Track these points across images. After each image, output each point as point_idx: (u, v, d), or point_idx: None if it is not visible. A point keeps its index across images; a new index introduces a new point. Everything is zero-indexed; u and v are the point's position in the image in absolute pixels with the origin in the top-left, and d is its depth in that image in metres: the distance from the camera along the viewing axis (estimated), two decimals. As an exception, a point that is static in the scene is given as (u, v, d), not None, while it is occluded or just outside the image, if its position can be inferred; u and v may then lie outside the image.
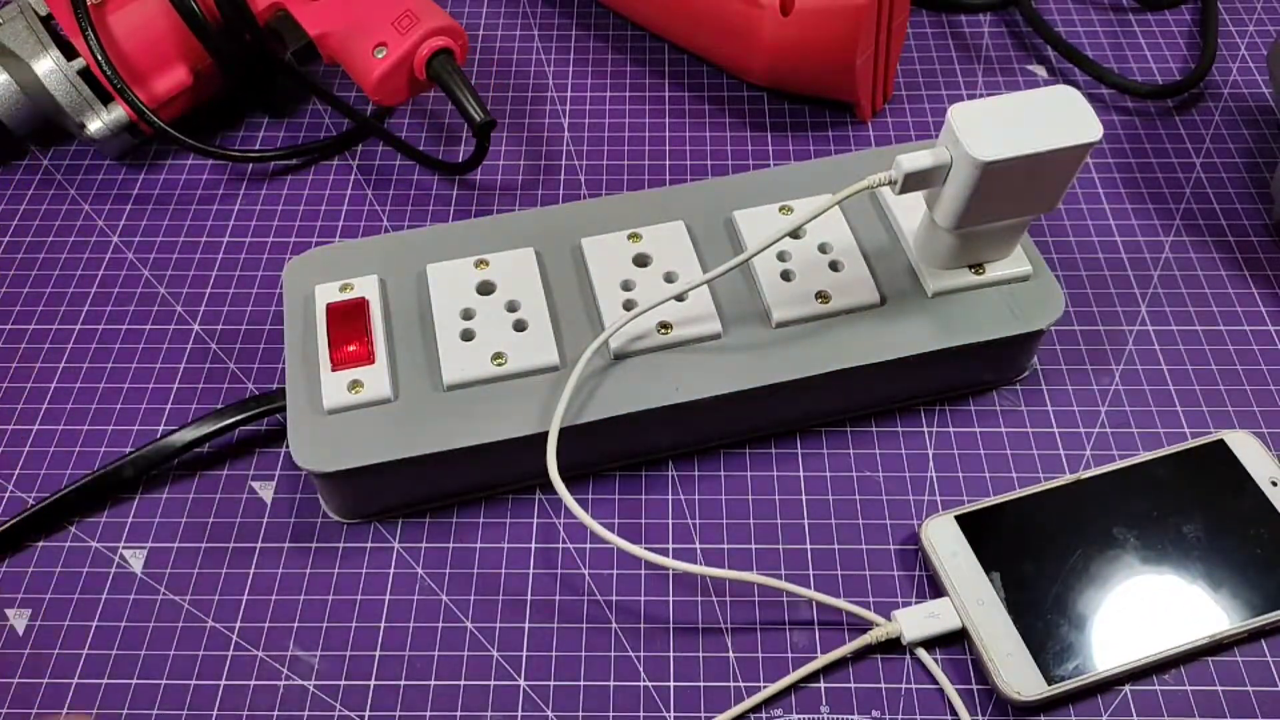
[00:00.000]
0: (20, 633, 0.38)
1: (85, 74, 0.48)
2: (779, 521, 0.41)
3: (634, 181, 0.52)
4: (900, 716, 0.36)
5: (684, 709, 0.36)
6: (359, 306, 0.40)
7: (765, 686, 0.36)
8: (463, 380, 0.39)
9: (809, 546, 0.40)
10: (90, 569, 0.40)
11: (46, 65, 0.48)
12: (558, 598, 0.39)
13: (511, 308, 0.41)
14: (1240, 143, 0.53)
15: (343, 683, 0.37)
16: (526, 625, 0.38)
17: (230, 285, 0.48)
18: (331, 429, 0.38)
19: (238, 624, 0.38)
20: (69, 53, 0.48)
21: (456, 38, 0.48)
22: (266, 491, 0.42)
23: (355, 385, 0.38)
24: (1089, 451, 0.42)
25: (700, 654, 0.38)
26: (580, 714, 0.36)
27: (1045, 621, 0.37)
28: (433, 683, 0.37)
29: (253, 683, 0.37)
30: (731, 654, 0.38)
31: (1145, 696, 0.36)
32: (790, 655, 0.37)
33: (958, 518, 0.39)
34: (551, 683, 0.37)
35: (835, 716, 0.36)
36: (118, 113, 0.49)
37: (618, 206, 0.44)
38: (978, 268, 0.41)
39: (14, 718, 0.36)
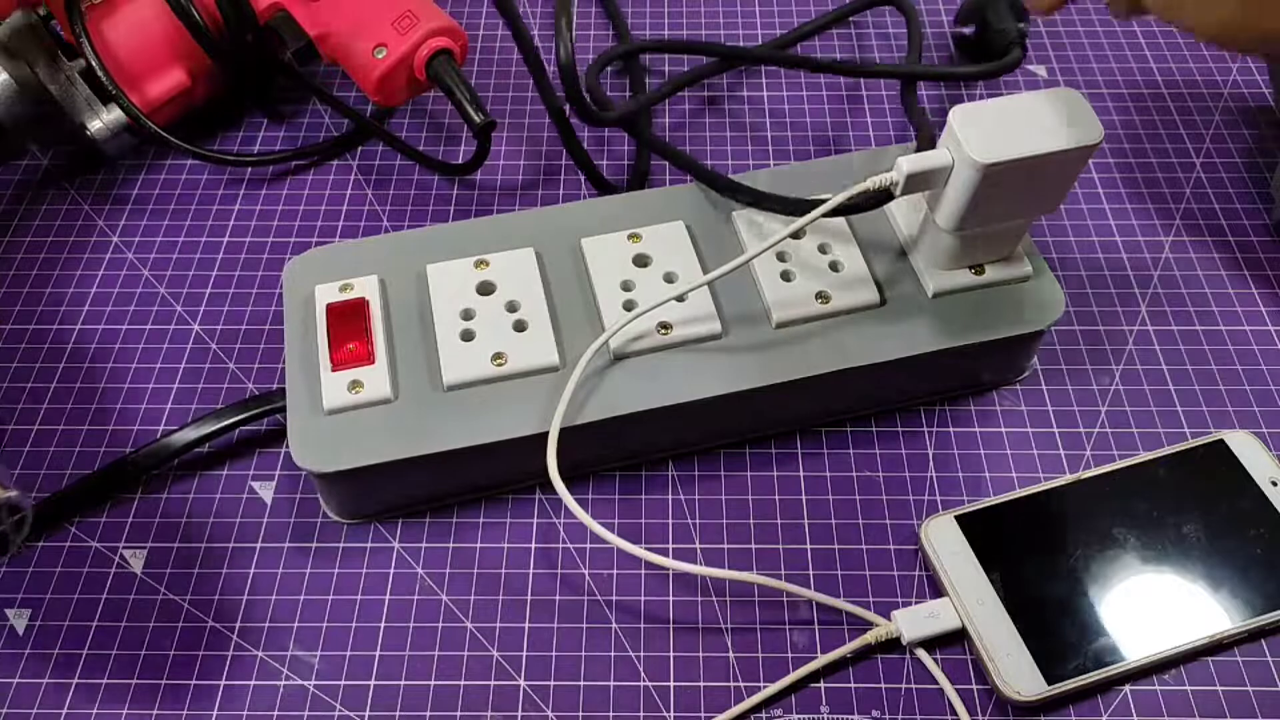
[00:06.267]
0: (20, 633, 0.38)
1: (85, 74, 0.48)
2: (779, 521, 0.41)
3: (634, 181, 0.52)
4: (900, 716, 0.36)
5: (684, 709, 0.36)
6: (359, 306, 0.40)
7: (765, 686, 0.36)
8: (463, 380, 0.39)
9: (809, 546, 0.40)
10: (90, 569, 0.40)
11: (47, 65, 0.48)
12: (558, 598, 0.39)
13: (511, 308, 0.41)
14: (1240, 143, 0.53)
15: (343, 683, 0.37)
16: (526, 625, 0.38)
17: (230, 285, 0.48)
18: (331, 429, 0.38)
19: (238, 624, 0.38)
20: (69, 53, 0.48)
21: (456, 38, 0.48)
22: (266, 491, 0.42)
23: (355, 385, 0.38)
24: (1089, 451, 0.42)
25: (700, 654, 0.38)
26: (580, 714, 0.36)
27: (1045, 621, 0.37)
28: (433, 683, 0.37)
29: (253, 683, 0.37)
30: (731, 654, 0.38)
31: (1145, 696, 0.36)
32: (790, 655, 0.37)
33: (958, 518, 0.39)
34: (551, 683, 0.37)
35: (835, 716, 0.36)
36: (117, 113, 0.49)
37: (618, 206, 0.44)
38: (978, 268, 0.41)
39: (14, 718, 0.36)
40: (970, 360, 0.41)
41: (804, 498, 0.41)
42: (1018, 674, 0.36)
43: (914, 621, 0.37)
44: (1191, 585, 0.38)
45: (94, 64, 0.47)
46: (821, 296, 0.41)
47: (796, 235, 0.43)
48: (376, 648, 0.38)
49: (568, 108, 0.50)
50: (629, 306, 0.40)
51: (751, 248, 0.40)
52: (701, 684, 0.37)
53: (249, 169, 0.52)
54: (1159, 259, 0.48)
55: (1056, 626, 0.37)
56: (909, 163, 0.36)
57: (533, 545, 0.40)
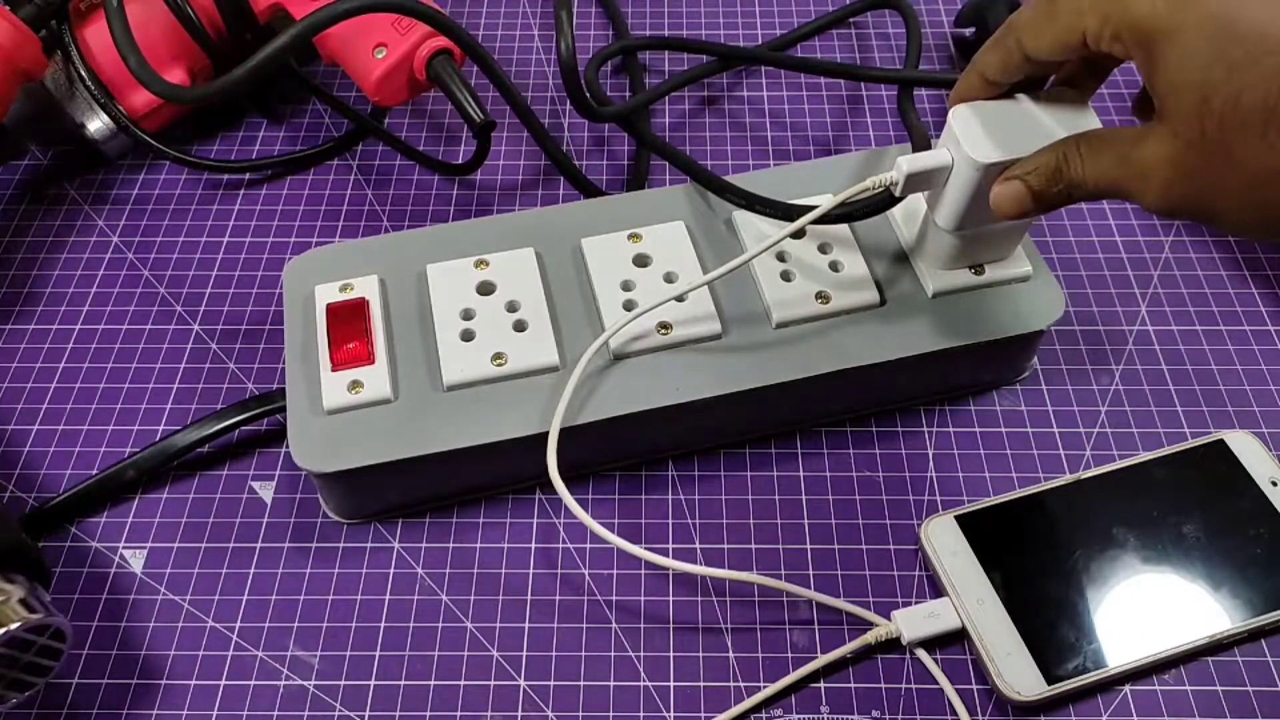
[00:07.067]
0: (20, 633, 0.38)
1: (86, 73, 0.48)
2: (779, 521, 0.41)
3: (634, 182, 0.52)
4: (900, 716, 0.36)
5: (684, 709, 0.36)
6: (359, 306, 0.40)
7: (765, 686, 0.36)
8: (463, 380, 0.39)
9: (809, 546, 0.40)
10: (90, 569, 0.40)
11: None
12: (558, 598, 0.39)
13: (511, 308, 0.41)
14: (1240, 143, 0.53)
15: (343, 683, 0.37)
16: (526, 625, 0.38)
17: (230, 285, 0.48)
18: (331, 429, 0.38)
19: (238, 624, 0.38)
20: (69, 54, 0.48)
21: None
22: (266, 491, 0.42)
23: (355, 385, 0.38)
24: (1089, 451, 0.42)
25: (700, 654, 0.38)
26: (580, 714, 0.36)
27: (1045, 621, 0.37)
28: (433, 683, 0.37)
29: (253, 683, 0.37)
30: (731, 654, 0.38)
31: (1145, 696, 0.36)
32: (790, 655, 0.37)
33: (958, 518, 0.39)
34: (551, 683, 0.37)
35: (835, 716, 0.36)
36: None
37: (618, 206, 0.44)
38: (978, 268, 0.41)
39: (14, 718, 0.36)
40: (970, 360, 0.41)
41: (804, 498, 0.41)
42: (1018, 674, 0.36)
43: (914, 621, 0.37)
44: (1191, 585, 0.38)
45: (83, 74, 0.47)
46: (821, 296, 0.41)
47: (797, 235, 0.42)
48: (376, 648, 0.38)
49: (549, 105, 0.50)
50: (629, 306, 0.40)
51: (751, 248, 0.40)
52: (701, 684, 0.37)
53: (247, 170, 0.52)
54: (1159, 259, 0.48)
55: (1056, 626, 0.37)
56: (909, 162, 0.36)
57: (533, 545, 0.40)
